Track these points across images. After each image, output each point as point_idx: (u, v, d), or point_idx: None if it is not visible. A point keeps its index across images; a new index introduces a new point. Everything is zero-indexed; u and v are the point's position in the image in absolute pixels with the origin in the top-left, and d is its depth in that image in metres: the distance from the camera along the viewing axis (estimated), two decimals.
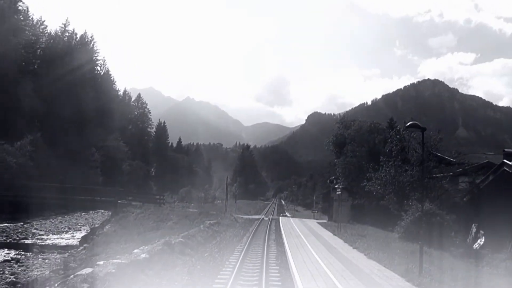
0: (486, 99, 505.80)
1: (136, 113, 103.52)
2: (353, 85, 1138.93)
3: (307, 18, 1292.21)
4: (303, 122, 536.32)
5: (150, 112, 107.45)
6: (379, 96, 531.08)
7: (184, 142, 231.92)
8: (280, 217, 52.74)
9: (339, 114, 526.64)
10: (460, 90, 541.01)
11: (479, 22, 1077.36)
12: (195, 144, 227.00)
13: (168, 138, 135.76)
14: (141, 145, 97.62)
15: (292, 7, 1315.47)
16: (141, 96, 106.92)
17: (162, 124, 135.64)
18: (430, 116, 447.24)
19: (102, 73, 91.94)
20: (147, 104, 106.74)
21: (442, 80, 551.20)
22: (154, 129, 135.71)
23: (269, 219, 46.06)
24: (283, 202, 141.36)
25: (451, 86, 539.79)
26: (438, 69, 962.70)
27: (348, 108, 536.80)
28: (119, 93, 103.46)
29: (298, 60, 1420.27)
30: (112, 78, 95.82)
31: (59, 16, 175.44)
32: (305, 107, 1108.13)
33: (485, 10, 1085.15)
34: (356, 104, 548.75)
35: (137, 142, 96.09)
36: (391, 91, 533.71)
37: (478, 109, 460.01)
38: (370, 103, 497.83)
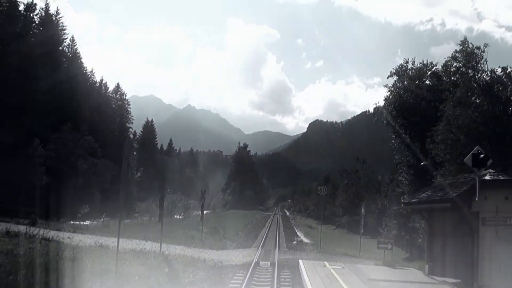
0: None
1: (113, 105, 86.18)
2: (355, 93, 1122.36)
3: (309, 26, 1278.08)
4: (305, 130, 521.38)
5: (130, 105, 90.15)
6: (381, 104, 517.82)
7: (184, 149, 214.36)
8: (302, 262, 18.74)
9: (341, 122, 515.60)
10: None
11: (480, 30, 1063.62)
12: (194, 150, 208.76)
13: (156, 139, 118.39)
14: (118, 143, 79.93)
15: (293, 15, 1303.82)
16: (120, 86, 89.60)
17: (150, 123, 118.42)
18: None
19: (70, 55, 75.33)
20: (126, 95, 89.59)
21: None
22: (141, 128, 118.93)
23: (271, 264, 18.97)
24: (287, 213, 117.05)
25: None
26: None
27: (350, 117, 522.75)
28: (96, 84, 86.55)
29: (300, 69, 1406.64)
30: (83, 64, 79.11)
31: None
32: (306, 116, 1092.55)
33: (487, 19, 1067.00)
34: (358, 112, 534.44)
35: (114, 140, 78.78)
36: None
37: None
38: (372, 111, 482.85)
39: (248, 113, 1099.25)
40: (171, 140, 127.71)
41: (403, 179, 27.86)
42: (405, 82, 29.69)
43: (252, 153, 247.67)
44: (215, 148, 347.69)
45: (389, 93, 30.21)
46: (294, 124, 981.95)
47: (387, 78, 30.47)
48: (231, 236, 34.04)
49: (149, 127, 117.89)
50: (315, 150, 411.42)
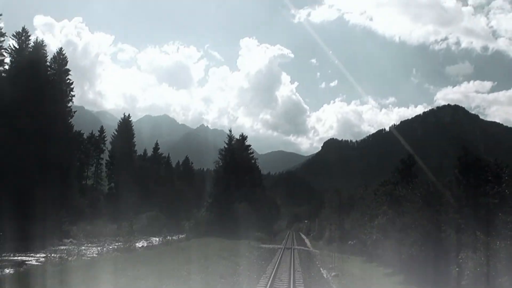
0: (509, 126, 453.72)
1: (48, 73, 54.95)
2: (369, 113, 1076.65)
3: (323, 45, 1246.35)
4: (319, 150, 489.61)
5: (70, 71, 58.58)
6: (397, 123, 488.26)
7: (195, 167, 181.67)
8: None
9: (356, 141, 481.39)
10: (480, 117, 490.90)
11: (496, 49, 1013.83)
12: (204, 169, 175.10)
13: (134, 138, 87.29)
14: (47, 130, 48.94)
15: (307, 34, 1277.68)
16: (63, 50, 58.44)
17: (126, 120, 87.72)
18: (451, 142, 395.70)
19: None
20: (67, 62, 58.23)
21: (463, 106, 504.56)
22: (117, 126, 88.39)
23: None
24: (308, 244, 61.82)
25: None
26: (454, 98, 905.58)
27: (364, 136, 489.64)
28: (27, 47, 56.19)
29: (314, 89, 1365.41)
30: None
31: None
32: (320, 136, 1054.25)
33: (502, 37, 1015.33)
34: (372, 131, 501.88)
35: (40, 124, 47.89)
36: (409, 117, 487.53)
37: (501, 136, 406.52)
38: (388, 130, 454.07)
39: (262, 133, 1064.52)
40: (157, 144, 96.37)
41: None
42: None
43: (265, 172, 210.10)
44: None
45: None
46: (309, 144, 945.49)
47: None
48: None
49: (125, 125, 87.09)
50: (330, 169, 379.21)
